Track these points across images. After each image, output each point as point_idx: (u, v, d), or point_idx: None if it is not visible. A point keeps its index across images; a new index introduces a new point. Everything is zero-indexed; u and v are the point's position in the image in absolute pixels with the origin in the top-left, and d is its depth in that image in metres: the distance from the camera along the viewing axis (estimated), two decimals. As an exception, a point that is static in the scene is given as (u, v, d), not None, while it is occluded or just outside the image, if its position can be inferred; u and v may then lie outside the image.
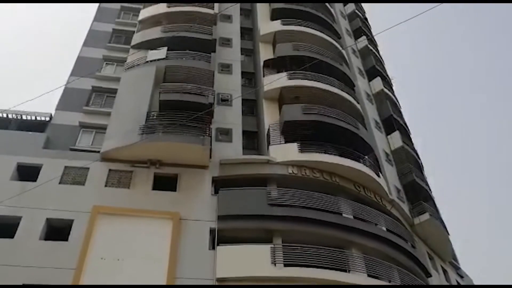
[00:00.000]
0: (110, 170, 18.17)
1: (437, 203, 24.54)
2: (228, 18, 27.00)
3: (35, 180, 17.21)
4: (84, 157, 18.36)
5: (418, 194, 23.19)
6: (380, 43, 36.28)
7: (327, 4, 30.45)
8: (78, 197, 16.97)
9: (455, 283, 23.42)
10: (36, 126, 20.45)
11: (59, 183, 17.45)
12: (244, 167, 19.05)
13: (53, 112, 20.87)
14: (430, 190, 24.73)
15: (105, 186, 17.71)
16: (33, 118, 20.89)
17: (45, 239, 15.82)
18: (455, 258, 24.87)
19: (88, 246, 15.49)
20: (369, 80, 29.56)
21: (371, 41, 33.48)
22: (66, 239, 15.71)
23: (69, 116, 20.74)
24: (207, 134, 18.60)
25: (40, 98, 22.18)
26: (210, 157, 18.80)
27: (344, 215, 18.03)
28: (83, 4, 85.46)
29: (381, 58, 33.61)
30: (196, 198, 17.76)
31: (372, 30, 36.64)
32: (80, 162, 18.03)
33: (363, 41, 32.09)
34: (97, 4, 27.79)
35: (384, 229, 18.85)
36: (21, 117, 21.04)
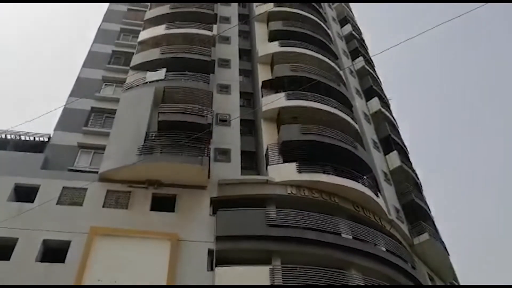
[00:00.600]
0: (108, 190, 18.12)
1: (437, 223, 24.47)
2: (226, 39, 27.31)
3: (33, 201, 17.16)
4: (82, 178, 18.33)
5: (417, 214, 23.12)
6: (377, 63, 36.66)
7: (324, 25, 30.88)
8: (76, 218, 16.87)
9: (456, 304, 23.15)
10: (35, 146, 20.45)
11: (57, 203, 17.37)
12: (243, 188, 19.02)
13: (52, 133, 20.90)
14: (429, 210, 24.68)
15: (103, 206, 17.63)
16: (32, 138, 20.91)
17: (42, 261, 15.65)
18: (455, 279, 24.62)
19: (85, 267, 15.32)
20: (367, 100, 29.78)
21: (368, 61, 33.84)
22: (63, 261, 15.54)
23: (68, 136, 20.76)
24: (206, 154, 18.62)
25: (40, 118, 22.25)
26: (209, 178, 18.78)
27: (343, 235, 17.93)
28: (83, 25, 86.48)
29: (378, 79, 33.92)
30: (195, 219, 17.66)
31: (369, 51, 37.08)
32: (78, 182, 17.99)
33: (360, 62, 32.44)
34: (97, 26, 28.13)
35: (384, 249, 18.73)
36: (20, 137, 21.06)
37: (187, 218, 17.64)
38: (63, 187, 17.95)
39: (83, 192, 17.80)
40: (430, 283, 21.41)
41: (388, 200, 22.19)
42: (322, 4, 35.78)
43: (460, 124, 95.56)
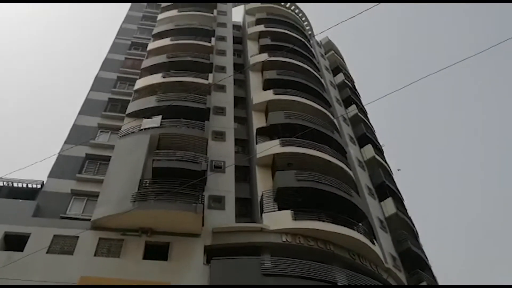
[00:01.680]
0: (100, 238, 17.81)
1: (434, 271, 24.05)
2: (222, 88, 27.78)
3: (22, 250, 16.78)
4: (74, 226, 18.06)
5: (415, 262, 22.77)
6: (370, 109, 37.26)
7: (317, 74, 31.62)
8: (66, 267, 16.46)
9: None
10: (28, 193, 20.26)
11: (47, 252, 16.99)
12: (237, 236, 18.75)
13: (45, 180, 20.76)
14: (426, 258, 24.31)
15: (95, 255, 17.26)
16: (25, 185, 20.76)
17: (29, 313, 15.11)
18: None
19: (74, 320, 14.80)
20: (361, 147, 30.03)
21: (361, 109, 34.41)
22: (51, 312, 15.03)
23: (61, 183, 20.62)
24: (200, 202, 18.47)
25: (35, 164, 22.14)
26: (203, 225, 18.53)
27: (339, 284, 17.54)
28: (80, 73, 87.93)
29: (371, 125, 34.38)
30: (188, 268, 17.26)
31: (361, 98, 37.80)
32: (70, 230, 17.71)
33: (353, 110, 32.99)
34: (94, 74, 28.61)
35: (381, 299, 18.29)
36: (12, 184, 20.91)
37: (181, 266, 17.23)
38: (54, 235, 17.62)
39: (74, 241, 17.47)
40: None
41: (384, 248, 21.89)
42: (315, 53, 36.84)
43: (451, 168, 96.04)
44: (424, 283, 21.42)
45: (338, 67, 39.07)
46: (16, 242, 17.22)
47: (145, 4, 39.19)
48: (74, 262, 16.79)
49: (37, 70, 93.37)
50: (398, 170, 32.27)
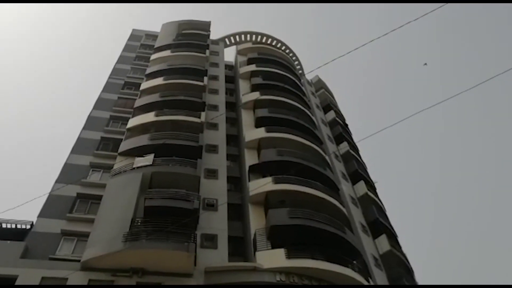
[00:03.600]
0: (90, 280, 17.39)
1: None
2: (214, 126, 27.99)
3: (9, 293, 16.31)
4: (63, 267, 17.67)
5: (411, 300, 22.39)
6: (362, 147, 37.53)
7: (308, 112, 32.03)
8: (54, 310, 15.96)
9: None
10: (17, 234, 19.87)
11: (35, 295, 16.52)
12: (230, 275, 18.42)
13: (35, 220, 20.43)
14: (422, 296, 23.95)
15: (85, 290, 16.80)
16: (14, 226, 20.38)
17: None
18: None
19: None
20: (353, 184, 30.06)
21: (353, 146, 34.69)
22: None
23: (51, 223, 20.29)
24: (192, 240, 18.23)
25: (26, 204, 21.84)
26: (195, 265, 18.23)
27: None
28: (72, 113, 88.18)
29: (363, 162, 34.56)
30: (180, 310, 16.83)
31: (352, 135, 38.18)
32: (59, 272, 17.31)
33: (345, 147, 33.23)
34: (87, 114, 28.75)
35: None
36: (1, 225, 20.53)
37: (172, 308, 16.80)
38: (42, 277, 17.20)
39: (63, 282, 17.05)
40: None
41: (379, 286, 21.56)
42: (306, 92, 37.45)
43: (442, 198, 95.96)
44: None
45: (329, 105, 39.66)
46: (3, 285, 16.74)
47: (139, 44, 39.95)
48: (63, 305, 16.31)
49: (30, 109, 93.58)
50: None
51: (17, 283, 16.82)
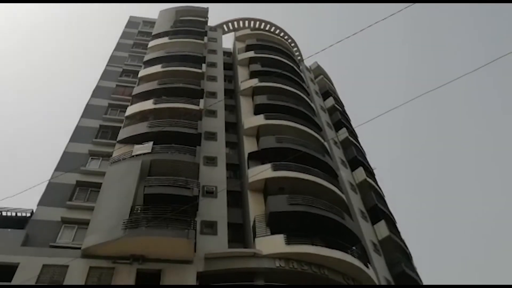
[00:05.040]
0: (90, 267, 17.49)
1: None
2: (213, 113, 27.95)
3: (11, 280, 16.42)
4: (64, 254, 17.77)
5: (410, 285, 22.57)
6: (361, 133, 37.53)
7: (307, 99, 31.96)
8: (55, 298, 16.10)
9: None
10: (17, 222, 19.94)
11: (36, 282, 16.67)
12: (230, 261, 18.55)
13: (35, 208, 20.49)
14: (420, 280, 24.16)
15: (85, 284, 16.90)
16: (14, 214, 20.43)
17: None
18: None
19: None
20: (352, 170, 30.13)
21: (351, 132, 34.69)
22: None
23: (51, 211, 20.36)
24: (192, 227, 18.32)
25: (26, 192, 21.84)
26: (195, 251, 18.35)
27: (334, 309, 17.33)
28: (70, 100, 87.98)
29: (362, 149, 34.59)
30: (180, 296, 16.97)
31: (351, 122, 38.15)
32: (60, 259, 17.41)
33: (343, 133, 33.24)
34: (85, 101, 28.68)
35: (377, 323, 18.06)
36: (1, 213, 20.59)
37: (173, 294, 16.94)
38: (43, 265, 17.30)
39: (64, 270, 17.14)
40: None
41: (378, 271, 21.74)
42: (304, 78, 37.32)
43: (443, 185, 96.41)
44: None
45: (328, 92, 39.56)
46: (4, 272, 16.82)
47: (136, 31, 39.67)
48: (64, 292, 16.43)
49: (28, 98, 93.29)
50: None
51: (18, 271, 16.91)
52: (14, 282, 16.31)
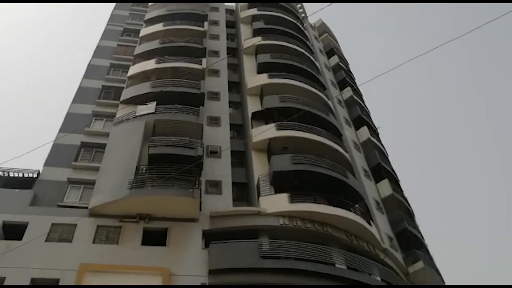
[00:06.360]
0: (98, 226, 17.89)
1: (431, 249, 24.32)
2: (216, 72, 27.67)
3: (21, 239, 16.85)
4: (72, 213, 18.13)
5: (411, 242, 22.98)
6: (365, 92, 37.19)
7: (311, 57, 31.48)
8: (65, 255, 16.56)
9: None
10: (24, 182, 20.23)
11: (46, 240, 17.08)
12: (235, 219, 18.87)
13: (41, 168, 20.72)
14: (422, 237, 24.59)
15: (93, 242, 17.35)
16: (21, 175, 20.71)
17: (30, 300, 15.21)
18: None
19: (75, 306, 14.93)
20: (356, 129, 30.07)
21: (356, 91, 34.37)
22: (51, 300, 15.14)
23: (58, 172, 20.59)
24: (197, 187, 18.54)
25: (30, 153, 22.01)
26: (200, 210, 18.65)
27: (337, 265, 17.74)
28: (73, 60, 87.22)
29: (367, 108, 34.38)
30: (186, 253, 17.40)
31: (356, 81, 37.72)
32: (68, 218, 17.79)
33: (348, 92, 32.96)
34: (87, 61, 28.39)
35: (379, 279, 18.52)
36: (9, 174, 20.87)
37: (179, 252, 17.37)
38: (52, 224, 17.69)
39: (72, 228, 17.56)
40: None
41: (381, 228, 22.11)
42: (309, 36, 36.62)
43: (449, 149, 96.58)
44: (421, 262, 21.67)
45: (332, 50, 38.88)
46: (14, 231, 17.24)
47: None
48: (73, 249, 16.89)
49: (29, 60, 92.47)
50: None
51: (28, 230, 17.31)
52: (25, 240, 16.72)
